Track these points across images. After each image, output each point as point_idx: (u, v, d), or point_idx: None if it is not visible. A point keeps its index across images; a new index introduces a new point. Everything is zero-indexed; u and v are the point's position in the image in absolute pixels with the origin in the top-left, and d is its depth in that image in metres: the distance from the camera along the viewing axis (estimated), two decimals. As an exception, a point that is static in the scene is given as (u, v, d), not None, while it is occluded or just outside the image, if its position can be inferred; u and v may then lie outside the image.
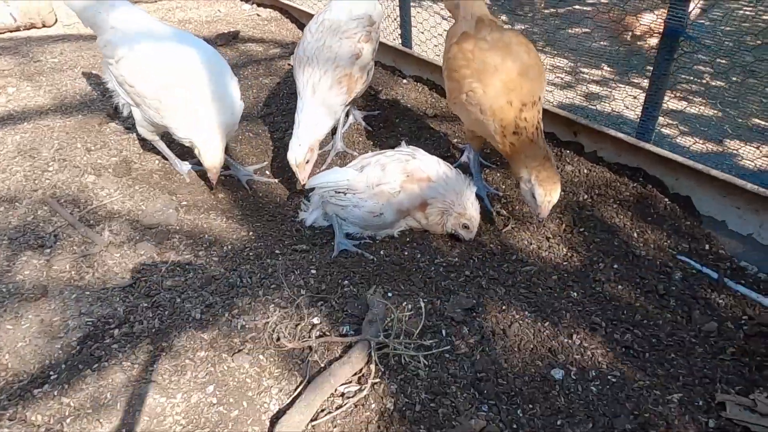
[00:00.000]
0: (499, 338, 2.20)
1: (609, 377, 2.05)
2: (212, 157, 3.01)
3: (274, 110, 4.29)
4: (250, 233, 2.86)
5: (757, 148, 3.62)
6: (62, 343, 2.16)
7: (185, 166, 3.43)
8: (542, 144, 2.55)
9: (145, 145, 3.52)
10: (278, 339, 2.14)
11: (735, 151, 3.63)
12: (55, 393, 1.97)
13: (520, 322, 2.27)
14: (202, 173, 3.44)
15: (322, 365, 2.07)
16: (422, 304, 2.25)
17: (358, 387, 1.99)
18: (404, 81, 4.51)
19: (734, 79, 4.26)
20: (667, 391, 2.01)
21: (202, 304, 2.32)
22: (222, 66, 3.14)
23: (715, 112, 4.26)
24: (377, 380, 1.99)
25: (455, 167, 2.81)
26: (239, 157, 3.69)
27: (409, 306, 2.30)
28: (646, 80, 4.67)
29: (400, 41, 4.74)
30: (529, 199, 2.60)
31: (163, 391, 1.94)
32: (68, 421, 1.87)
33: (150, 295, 2.41)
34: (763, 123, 3.97)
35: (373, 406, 1.93)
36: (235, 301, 2.32)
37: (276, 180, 3.47)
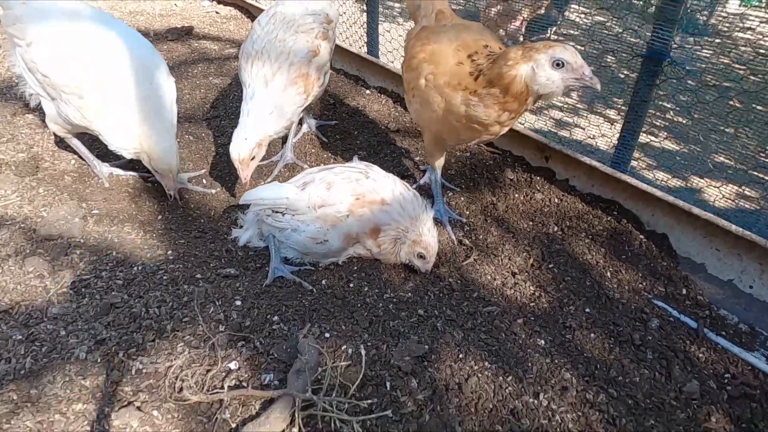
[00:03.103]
0: (453, 395, 1.84)
1: (580, 449, 1.72)
2: (164, 156, 2.60)
3: (221, 113, 3.88)
4: (169, 252, 2.42)
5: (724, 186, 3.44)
6: None
7: (106, 168, 2.97)
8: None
9: (63, 142, 3.04)
10: (181, 389, 1.71)
11: (700, 188, 3.44)
12: None
13: (479, 375, 1.92)
14: (125, 179, 2.98)
15: (233, 425, 1.65)
16: (363, 351, 1.87)
17: (276, 457, 1.59)
18: (368, 91, 4.18)
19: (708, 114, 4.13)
20: (647, 469, 1.69)
21: (92, 340, 1.87)
22: (158, 61, 2.72)
23: (677, 147, 4.11)
24: (300, 449, 1.59)
25: (413, 188, 2.47)
26: (174, 162, 3.24)
27: (349, 351, 1.92)
28: (610, 110, 4.52)
29: (366, 49, 4.42)
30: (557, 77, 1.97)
31: (15, 460, 1.48)
32: None
33: (28, 324, 1.94)
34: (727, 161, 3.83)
35: (291, 484, 1.53)
36: (135, 338, 1.88)
37: (213, 191, 3.04)
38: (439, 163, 2.75)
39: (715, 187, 3.40)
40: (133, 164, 2.96)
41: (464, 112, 2.17)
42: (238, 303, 2.10)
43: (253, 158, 2.71)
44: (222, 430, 1.64)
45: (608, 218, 2.84)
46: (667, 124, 4.47)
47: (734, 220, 2.46)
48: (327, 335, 1.98)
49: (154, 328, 1.93)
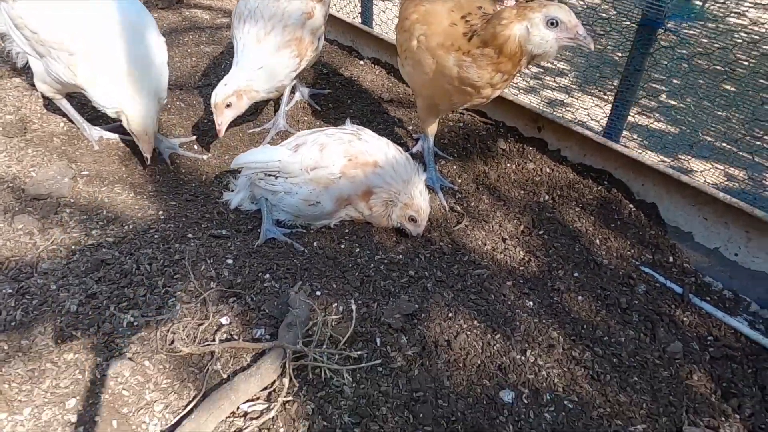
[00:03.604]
0: (442, 351, 1.87)
1: (566, 402, 1.76)
2: (141, 121, 2.56)
3: (213, 81, 3.82)
4: (160, 212, 2.42)
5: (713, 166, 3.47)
6: None
7: (96, 132, 2.94)
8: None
9: (51, 104, 2.99)
10: (172, 342, 1.73)
11: (689, 168, 3.47)
12: None
13: (468, 332, 1.95)
14: (116, 142, 2.95)
15: (225, 376, 1.67)
16: (353, 307, 1.89)
17: (266, 405, 1.61)
18: (361, 62, 4.14)
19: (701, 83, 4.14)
20: (629, 421, 1.73)
21: (83, 294, 1.87)
22: (149, 21, 2.68)
23: (669, 128, 4.12)
24: (290, 398, 1.62)
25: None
26: (165, 129, 3.22)
27: (340, 308, 1.94)
28: (603, 91, 4.50)
29: (360, 19, 4.37)
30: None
31: (7, 405, 1.49)
32: None
33: (18, 279, 1.93)
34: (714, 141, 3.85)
35: (281, 430, 1.55)
36: (126, 292, 1.89)
37: (204, 156, 3.03)
38: (432, 129, 2.75)
39: (704, 167, 3.44)
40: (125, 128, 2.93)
41: (456, 73, 2.16)
42: (230, 261, 2.10)
43: (228, 105, 2.69)
44: (213, 381, 1.66)
45: (599, 188, 2.86)
46: (659, 105, 4.48)
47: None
48: (318, 293, 2.00)
49: (146, 284, 1.94)
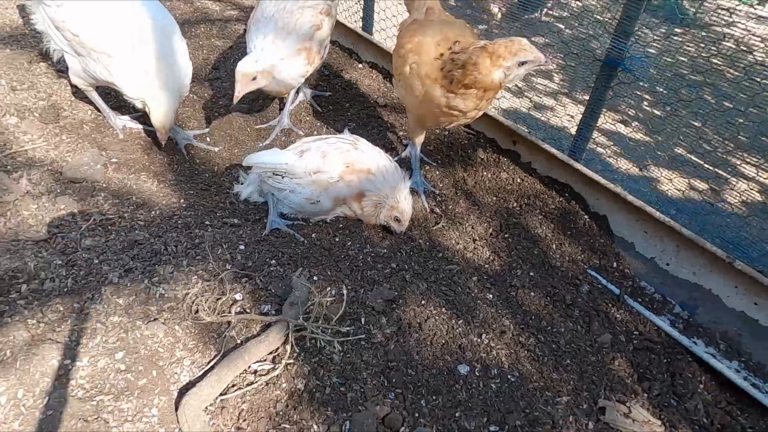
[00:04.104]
0: (414, 331, 2.31)
1: (509, 376, 2.21)
2: (163, 117, 2.92)
3: (222, 75, 4.17)
4: (181, 200, 2.80)
5: (680, 177, 3.93)
6: (-39, 293, 2.05)
7: (120, 121, 3.28)
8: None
9: (79, 92, 3.32)
10: (197, 311, 2.13)
11: (657, 177, 3.93)
12: (-52, 345, 1.87)
13: (437, 317, 2.39)
14: (138, 132, 3.30)
15: (239, 341, 2.09)
16: (345, 292, 2.30)
17: (272, 366, 2.03)
18: (360, 65, 4.50)
19: (659, 113, 4.59)
20: (557, 393, 2.19)
21: (121, 268, 2.26)
22: (173, 25, 3.02)
23: (646, 138, 4.57)
24: (291, 361, 2.04)
25: (395, 160, 2.87)
26: (180, 120, 3.56)
27: (333, 292, 2.35)
28: (580, 95, 4.94)
29: (361, 24, 4.71)
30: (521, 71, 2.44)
31: (69, 353, 1.89)
32: (-40, 375, 1.79)
33: (66, 252, 2.32)
34: (683, 154, 4.31)
35: (284, 385, 1.98)
36: (157, 269, 2.28)
37: (216, 149, 3.39)
38: (420, 139, 3.15)
39: (668, 179, 3.89)
40: (145, 118, 3.28)
41: (444, 102, 2.56)
42: (242, 247, 2.50)
43: (254, 79, 2.96)
44: (229, 344, 2.07)
45: (560, 199, 3.29)
46: (639, 114, 4.91)
47: (676, 208, 2.93)
48: (315, 278, 2.41)
49: (172, 263, 2.33)
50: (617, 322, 2.65)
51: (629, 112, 4.98)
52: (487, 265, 2.81)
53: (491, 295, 2.61)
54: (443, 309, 2.45)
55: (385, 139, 3.68)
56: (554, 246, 3.03)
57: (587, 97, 3.20)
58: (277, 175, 2.72)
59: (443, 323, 2.37)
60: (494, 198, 3.30)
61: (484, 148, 3.64)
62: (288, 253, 2.53)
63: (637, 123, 4.84)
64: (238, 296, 2.25)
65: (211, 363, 1.99)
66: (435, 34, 2.64)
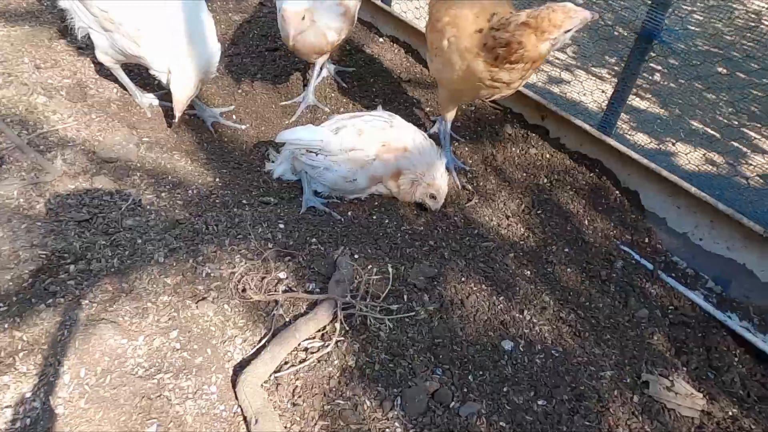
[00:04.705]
0: (456, 308, 2.33)
1: (552, 352, 2.24)
2: (183, 87, 2.86)
3: (242, 51, 4.10)
4: (216, 179, 2.79)
5: (697, 151, 3.91)
6: (12, 274, 2.06)
7: (146, 99, 3.25)
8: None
9: (102, 69, 3.28)
10: (244, 290, 2.15)
11: (681, 153, 3.90)
12: (6, 326, 1.89)
13: (477, 294, 2.40)
14: (165, 109, 3.27)
15: (287, 320, 2.11)
16: (391, 270, 2.31)
17: (322, 343, 2.05)
18: (380, 40, 4.43)
19: (696, 85, 4.53)
20: (600, 368, 2.22)
21: (165, 248, 2.26)
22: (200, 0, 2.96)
23: (668, 112, 4.53)
24: (341, 338, 2.06)
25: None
26: (204, 98, 3.53)
27: (375, 270, 2.36)
28: (605, 70, 4.87)
29: (380, -4, 4.61)
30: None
31: (125, 333, 1.91)
32: (21, 355, 1.81)
33: (108, 233, 2.32)
34: (703, 127, 4.28)
35: (335, 362, 2.00)
36: (200, 248, 2.29)
37: (243, 126, 3.36)
38: (451, 115, 3.12)
39: (684, 154, 3.87)
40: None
41: (488, 76, 2.52)
42: (282, 226, 2.50)
43: (302, 18, 3.00)
44: (279, 323, 2.09)
45: (591, 174, 3.28)
46: (653, 87, 4.85)
47: (696, 183, 2.93)
48: (356, 256, 2.42)
49: (215, 242, 2.34)
50: (652, 297, 2.67)
51: (643, 86, 4.91)
52: (522, 242, 2.81)
53: (529, 272, 2.62)
54: (483, 286, 2.46)
55: (413, 116, 3.65)
56: (586, 222, 3.03)
57: (604, 71, 3.15)
58: (311, 152, 2.71)
59: (484, 300, 2.39)
60: (524, 174, 3.28)
61: (512, 124, 3.60)
62: (327, 231, 2.53)
63: (651, 96, 4.78)
64: (282, 275, 2.26)
65: (263, 341, 2.02)
66: (472, 6, 2.58)
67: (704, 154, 3.93)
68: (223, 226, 2.44)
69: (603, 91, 4.32)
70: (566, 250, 2.82)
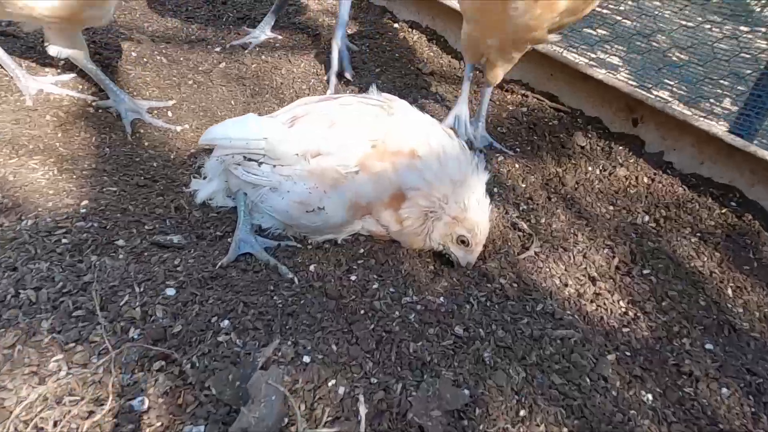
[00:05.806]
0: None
1: None
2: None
3: (209, 36, 3.05)
4: (84, 202, 1.63)
5: None
6: None
7: (35, 84, 2.18)
8: None
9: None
10: (29, 449, 0.94)
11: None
12: None
13: (554, 451, 1.14)
14: (58, 99, 2.18)
15: None
16: (362, 398, 1.08)
17: None
18: (396, 25, 3.32)
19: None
20: None
21: None
22: None
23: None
24: None
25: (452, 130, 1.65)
26: (133, 86, 2.44)
27: (339, 391, 1.14)
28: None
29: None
30: None
31: None
32: None
33: None
34: None
35: None
36: (-20, 339, 1.11)
37: (178, 128, 2.24)
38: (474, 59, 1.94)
39: None
40: (83, 82, 2.19)
41: None
42: (171, 292, 1.31)
43: None
44: None
45: (723, 210, 2.02)
46: None
47: None
48: (306, 359, 1.20)
49: (21, 326, 1.16)
50: None
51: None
52: (625, 329, 1.54)
53: (650, 395, 1.34)
54: (564, 429, 1.20)
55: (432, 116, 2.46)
56: (729, 291, 1.75)
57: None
58: (250, 159, 1.54)
59: (571, 468, 1.12)
60: (611, 207, 2.04)
61: (585, 132, 2.38)
62: (259, 304, 1.33)
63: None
64: (136, 402, 1.06)
65: None
66: None
67: None
68: (53, 291, 1.26)
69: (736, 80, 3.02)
70: (708, 346, 1.53)
